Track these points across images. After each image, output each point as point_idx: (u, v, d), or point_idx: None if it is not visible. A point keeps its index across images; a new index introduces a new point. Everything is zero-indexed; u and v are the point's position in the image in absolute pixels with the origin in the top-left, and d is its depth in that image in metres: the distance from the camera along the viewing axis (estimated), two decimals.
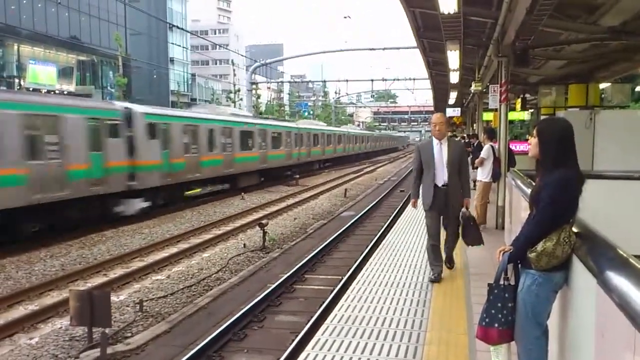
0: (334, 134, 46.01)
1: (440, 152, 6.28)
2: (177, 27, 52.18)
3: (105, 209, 15.72)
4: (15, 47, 39.04)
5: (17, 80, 38.15)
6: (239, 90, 49.90)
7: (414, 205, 6.76)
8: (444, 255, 6.78)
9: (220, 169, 22.70)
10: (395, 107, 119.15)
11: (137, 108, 17.59)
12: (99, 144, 15.15)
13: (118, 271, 10.85)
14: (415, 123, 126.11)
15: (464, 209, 6.35)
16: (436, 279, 6.51)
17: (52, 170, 13.30)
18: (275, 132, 30.46)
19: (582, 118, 10.75)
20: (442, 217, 6.54)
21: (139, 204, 16.76)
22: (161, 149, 18.08)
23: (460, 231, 6.47)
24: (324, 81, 73.89)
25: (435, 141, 6.34)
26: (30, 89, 34.19)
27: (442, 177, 6.24)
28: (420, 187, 6.51)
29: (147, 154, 17.29)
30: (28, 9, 41.02)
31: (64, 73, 43.24)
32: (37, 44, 40.34)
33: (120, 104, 17.54)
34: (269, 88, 74.50)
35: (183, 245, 13.16)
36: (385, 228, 14.26)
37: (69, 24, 44.89)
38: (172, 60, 63.68)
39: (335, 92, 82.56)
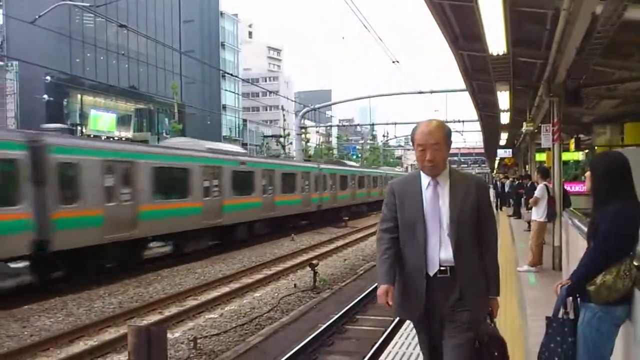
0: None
1: (435, 200, 2.99)
2: (230, 75, 54.05)
3: None
4: (79, 96, 41.40)
5: (79, 128, 40.29)
6: (288, 135, 50.87)
7: (384, 300, 2.89)
8: None
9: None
10: None
11: None
12: None
13: (173, 309, 11.09)
14: (465, 165, 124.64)
15: (487, 323, 3.06)
16: None
17: None
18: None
19: None
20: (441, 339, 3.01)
21: None
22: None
23: None
24: (372, 124, 74.45)
25: (424, 179, 3.06)
26: (92, 136, 36.01)
27: (436, 254, 2.93)
28: (397, 273, 3.02)
29: None
30: (91, 61, 43.65)
31: (123, 121, 45.43)
32: (99, 93, 42.67)
33: None
34: (317, 132, 75.68)
35: (235, 285, 13.35)
36: None
37: (129, 74, 47.41)
38: (224, 107, 65.89)
39: (384, 135, 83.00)
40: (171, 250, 17.80)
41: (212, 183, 18.55)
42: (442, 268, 2.90)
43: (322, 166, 31.30)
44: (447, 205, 2.96)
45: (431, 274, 2.92)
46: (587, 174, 3.32)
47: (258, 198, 21.79)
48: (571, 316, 3.13)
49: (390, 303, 2.90)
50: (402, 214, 3.03)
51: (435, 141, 2.99)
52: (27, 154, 11.91)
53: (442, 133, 3.03)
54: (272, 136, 43.92)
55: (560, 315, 3.13)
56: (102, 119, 42.86)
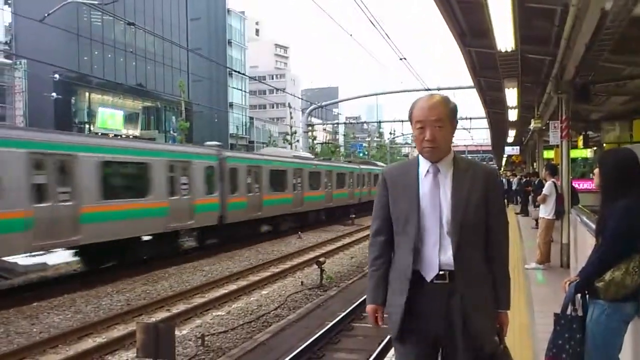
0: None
1: (435, 191, 2.49)
2: (237, 72, 54.10)
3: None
4: (87, 94, 41.56)
5: (87, 126, 40.49)
6: (295, 133, 50.92)
7: (374, 320, 2.61)
8: None
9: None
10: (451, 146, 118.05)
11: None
12: None
13: (180, 307, 11.13)
14: None
15: (496, 341, 2.52)
16: None
17: None
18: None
19: None
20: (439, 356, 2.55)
21: None
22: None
23: None
24: (379, 122, 74.32)
25: (423, 165, 2.55)
26: (99, 134, 36.19)
27: (435, 255, 2.43)
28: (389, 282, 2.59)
29: None
30: (99, 59, 43.78)
31: (130, 118, 45.59)
32: (107, 91, 42.82)
33: None
34: (324, 130, 75.63)
35: (242, 283, 13.38)
36: None
37: (136, 72, 47.53)
38: (231, 105, 65.96)
39: (390, 133, 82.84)
40: (270, 229, 23.53)
41: (297, 181, 25.32)
42: (440, 272, 2.40)
43: (361, 167, 37.17)
44: (448, 198, 2.44)
45: (428, 279, 2.41)
46: (596, 170, 3.31)
47: (322, 192, 28.65)
48: (579, 313, 3.12)
49: (380, 323, 2.57)
50: (395, 207, 2.52)
51: (436, 117, 2.44)
52: (218, 163, 18.73)
53: (445, 109, 2.47)
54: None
55: (568, 312, 3.12)
56: (110, 116, 43.02)
